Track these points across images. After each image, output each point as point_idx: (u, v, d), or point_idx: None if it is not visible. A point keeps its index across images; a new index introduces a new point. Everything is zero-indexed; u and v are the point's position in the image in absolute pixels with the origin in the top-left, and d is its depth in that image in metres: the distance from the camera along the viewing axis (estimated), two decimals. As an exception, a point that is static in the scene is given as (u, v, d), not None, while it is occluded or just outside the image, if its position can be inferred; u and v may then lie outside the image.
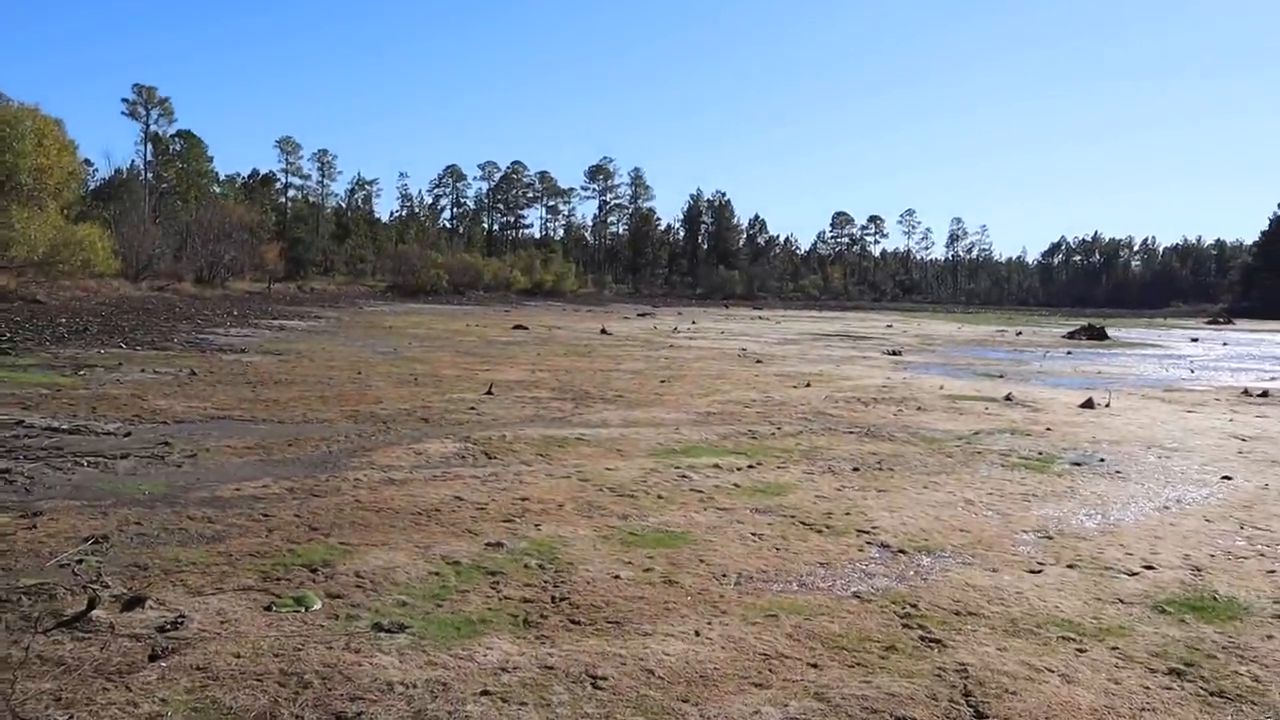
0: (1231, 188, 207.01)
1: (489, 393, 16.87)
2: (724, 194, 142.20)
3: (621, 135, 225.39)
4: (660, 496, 9.17)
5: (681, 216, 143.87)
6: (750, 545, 7.51)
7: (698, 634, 5.48)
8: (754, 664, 5.09)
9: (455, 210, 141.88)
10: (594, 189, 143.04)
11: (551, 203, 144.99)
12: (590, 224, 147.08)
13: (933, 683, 4.92)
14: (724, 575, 6.68)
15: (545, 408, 15.45)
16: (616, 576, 6.53)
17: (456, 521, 7.99)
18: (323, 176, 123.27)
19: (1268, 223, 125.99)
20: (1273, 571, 7.35)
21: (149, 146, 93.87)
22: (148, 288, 53.76)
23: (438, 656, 5.03)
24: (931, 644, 5.48)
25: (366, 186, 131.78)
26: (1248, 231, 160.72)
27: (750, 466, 10.83)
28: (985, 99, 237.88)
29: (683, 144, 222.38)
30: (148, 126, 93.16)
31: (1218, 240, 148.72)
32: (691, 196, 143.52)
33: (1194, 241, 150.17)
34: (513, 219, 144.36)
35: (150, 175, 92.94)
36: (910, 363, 28.84)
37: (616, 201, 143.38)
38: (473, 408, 15.06)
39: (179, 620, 5.40)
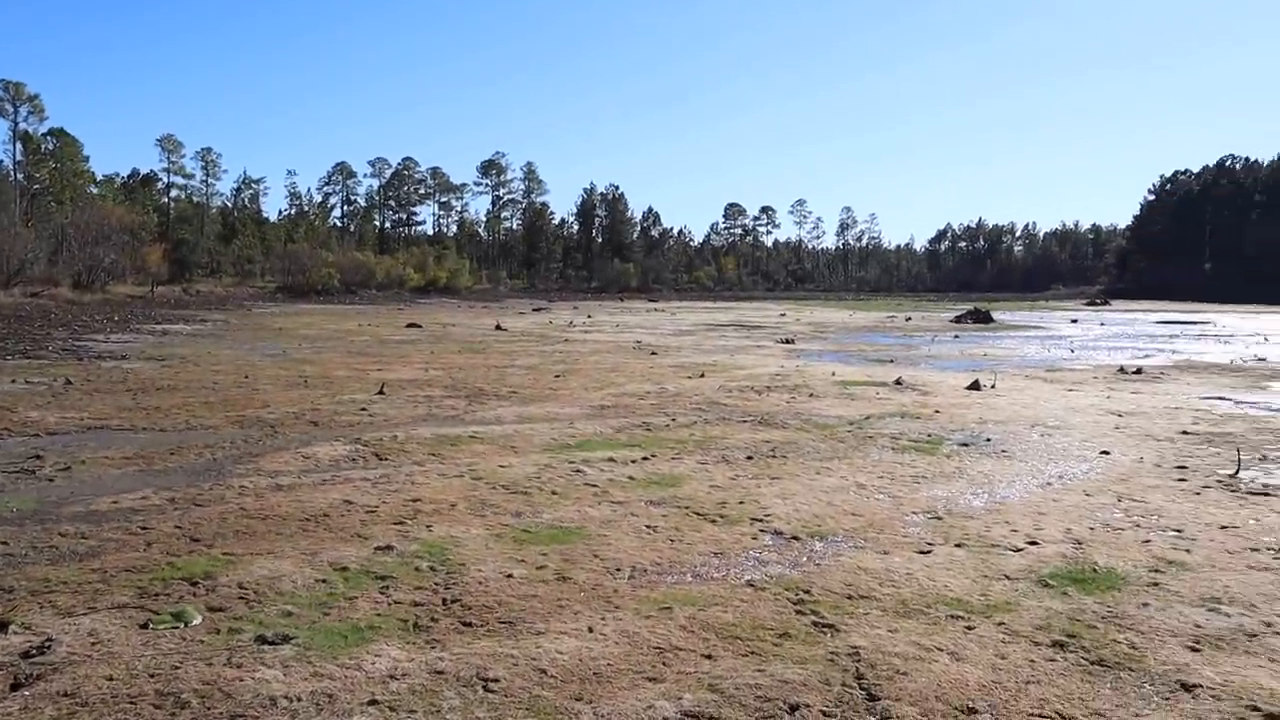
0: (1105, 174, 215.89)
1: (381, 393, 16.52)
2: (617, 187, 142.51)
3: (514, 130, 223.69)
4: (554, 492, 9.08)
5: (575, 210, 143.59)
6: (644, 538, 7.47)
7: (591, 630, 5.41)
8: (648, 658, 5.04)
9: (346, 208, 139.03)
10: (487, 184, 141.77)
11: (444, 199, 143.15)
12: (484, 220, 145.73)
13: (826, 668, 4.94)
14: (618, 569, 6.62)
15: (438, 406, 15.20)
16: (509, 575, 6.42)
17: (346, 526, 7.77)
18: (207, 175, 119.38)
19: (1139, 208, 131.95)
20: (1148, 541, 7.61)
21: (18, 145, 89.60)
22: (20, 294, 51.29)
23: (324, 667, 4.86)
24: (824, 629, 5.51)
25: (253, 185, 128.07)
26: (1121, 216, 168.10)
27: (644, 459, 10.81)
28: (871, 91, 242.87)
29: (576, 138, 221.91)
30: (16, 124, 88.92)
31: (1094, 225, 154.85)
32: (585, 190, 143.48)
33: (1072, 226, 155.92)
34: (405, 216, 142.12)
35: (21, 176, 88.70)
36: (803, 350, 29.25)
37: (510, 196, 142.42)
38: (364, 409, 14.72)
39: (46, 644, 5.11)
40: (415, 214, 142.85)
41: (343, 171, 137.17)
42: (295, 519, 7.96)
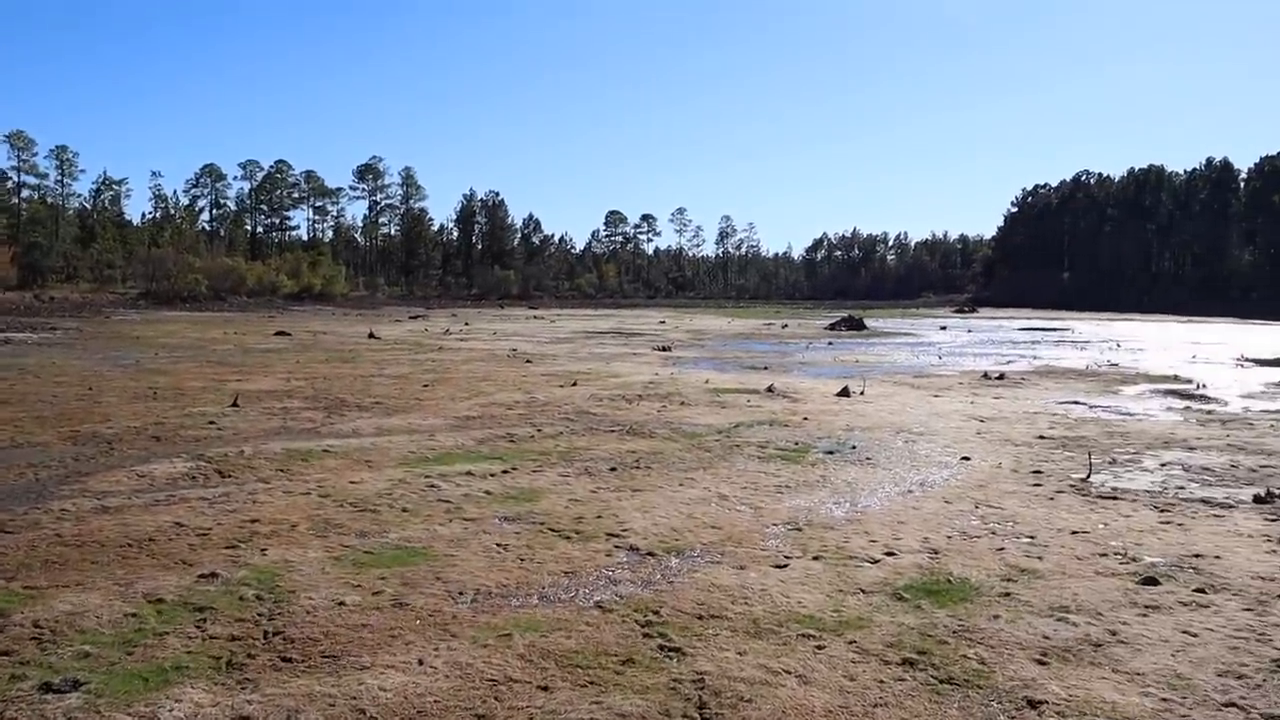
0: (973, 187, 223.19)
1: (235, 405, 15.72)
2: (498, 194, 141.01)
3: (392, 135, 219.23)
4: (404, 510, 8.65)
5: (455, 216, 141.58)
6: (494, 558, 7.13)
7: (421, 663, 5.05)
8: (479, 692, 4.71)
9: (215, 212, 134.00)
10: (364, 189, 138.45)
11: (319, 203, 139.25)
12: (361, 225, 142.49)
13: (667, 697, 4.69)
14: (460, 593, 6.27)
15: (294, 419, 14.53)
16: (341, 603, 6.00)
17: (171, 552, 7.21)
18: (62, 175, 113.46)
19: (1003, 219, 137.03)
20: (1002, 549, 7.61)
21: None
22: None
23: (113, 716, 4.38)
24: (671, 653, 5.26)
25: (114, 186, 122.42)
26: (987, 227, 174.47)
27: (505, 472, 10.45)
28: (748, 101, 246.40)
29: (456, 144, 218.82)
30: None
31: (962, 235, 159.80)
32: (465, 196, 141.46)
33: (941, 237, 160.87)
34: (278, 221, 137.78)
35: None
36: (679, 358, 29.22)
37: (388, 202, 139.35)
38: (213, 422, 13.96)
39: None
40: (289, 219, 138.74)
41: (211, 174, 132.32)
42: (115, 545, 7.36)
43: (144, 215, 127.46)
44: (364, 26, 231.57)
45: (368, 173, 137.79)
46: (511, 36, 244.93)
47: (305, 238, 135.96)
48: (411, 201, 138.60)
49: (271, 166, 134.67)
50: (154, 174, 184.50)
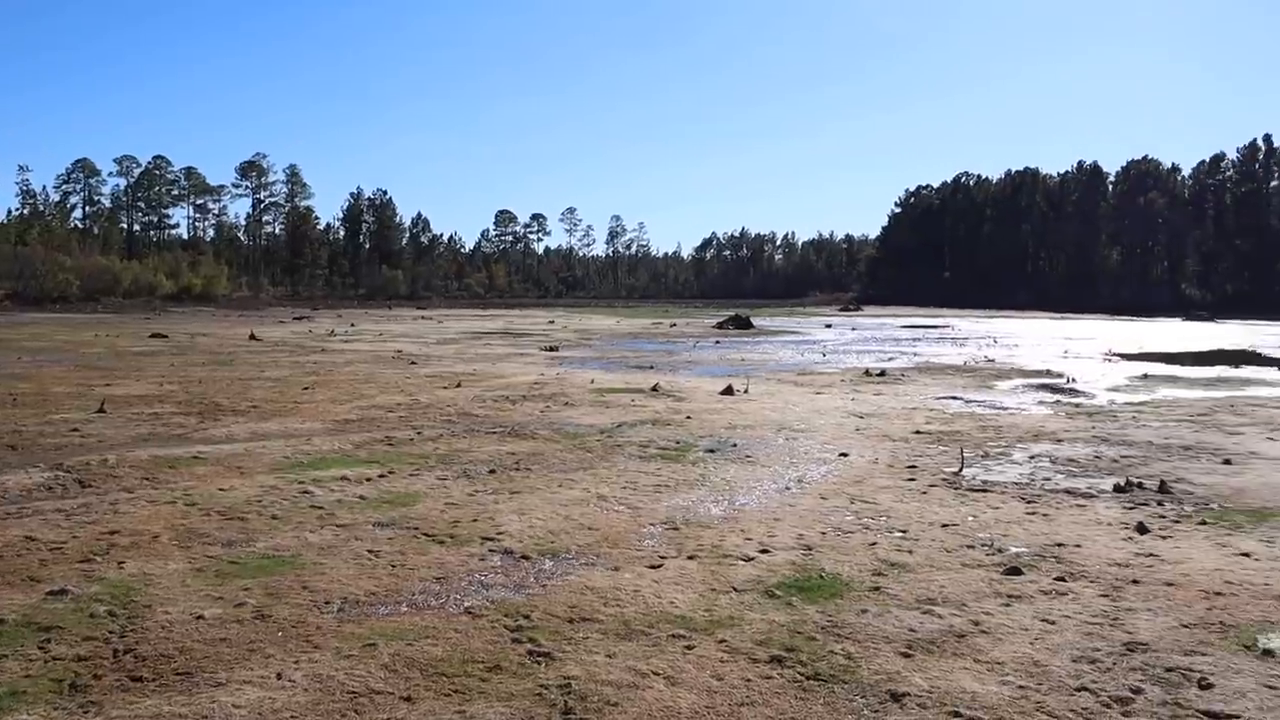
0: (858, 187, 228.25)
1: (101, 410, 15.06)
2: (385, 192, 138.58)
3: (276, 131, 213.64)
4: (274, 517, 8.38)
5: (342, 215, 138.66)
6: (364, 565, 6.95)
7: (280, 676, 4.87)
8: (339, 705, 4.56)
9: (88, 209, 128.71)
10: (247, 186, 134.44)
11: (200, 201, 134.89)
12: (244, 224, 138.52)
13: (532, 704, 4.62)
14: (327, 603, 6.08)
15: (165, 424, 13.99)
16: (199, 617, 5.75)
17: (18, 568, 6.83)
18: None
19: (887, 219, 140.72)
20: (874, 544, 7.74)
21: None
22: None
23: (-61, 747, 4.12)
24: (539, 658, 5.19)
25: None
26: (871, 227, 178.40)
27: (381, 476, 10.23)
28: (640, 100, 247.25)
29: (342, 142, 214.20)
30: None
31: (847, 235, 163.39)
32: (351, 195, 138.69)
33: (828, 236, 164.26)
34: (156, 219, 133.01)
35: None
36: (566, 358, 29.12)
37: (272, 200, 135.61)
38: (76, 429, 13.33)
39: None
40: (168, 216, 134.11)
41: (84, 169, 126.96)
42: (-44, 563, 6.94)
43: (10, 212, 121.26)
44: (248, 17, 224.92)
45: (251, 170, 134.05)
46: (399, 32, 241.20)
47: (185, 236, 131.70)
48: (297, 200, 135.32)
49: (149, 162, 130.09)
50: (21, 168, 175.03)
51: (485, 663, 5.11)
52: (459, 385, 19.70)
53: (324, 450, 11.81)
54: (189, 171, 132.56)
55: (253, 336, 38.57)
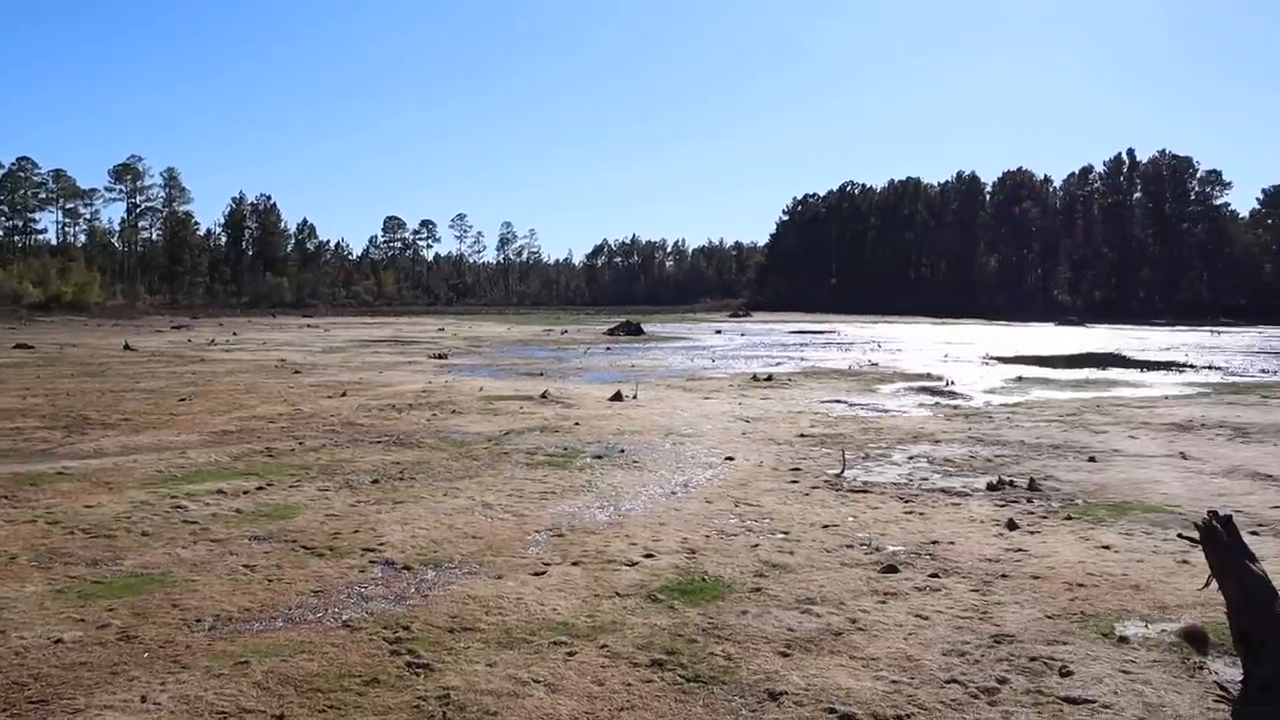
0: (746, 196, 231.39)
1: (-42, 426, 14.32)
2: (269, 197, 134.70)
3: (153, 133, 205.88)
4: (145, 534, 8.08)
5: (223, 221, 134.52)
6: (239, 580, 6.75)
7: (144, 700, 4.69)
8: (207, 726, 4.42)
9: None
10: (121, 190, 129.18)
11: (70, 205, 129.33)
12: (118, 229, 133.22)
13: (410, 716, 4.55)
14: (198, 620, 5.89)
15: (27, 439, 13.36)
16: (58, 641, 5.50)
17: None
18: None
19: (775, 227, 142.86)
20: (756, 545, 7.85)
21: None
22: None
23: None
24: (418, 670, 5.12)
25: None
26: (761, 235, 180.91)
27: (260, 488, 9.95)
28: (531, 107, 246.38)
29: (224, 145, 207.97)
30: None
31: (736, 242, 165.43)
32: (234, 200, 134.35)
33: (718, 243, 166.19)
34: (21, 223, 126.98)
35: None
36: (455, 365, 28.82)
37: (148, 204, 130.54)
38: (-71, 446, 12.65)
39: None
40: (35, 221, 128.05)
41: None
42: None
43: None
44: (122, 11, 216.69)
45: (126, 173, 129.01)
46: (284, 34, 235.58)
47: (54, 242, 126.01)
48: (175, 204, 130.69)
49: (13, 164, 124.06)
50: None
51: (362, 676, 5.01)
52: (344, 394, 19.31)
53: (200, 463, 11.45)
54: (57, 174, 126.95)
55: (127, 346, 37.13)
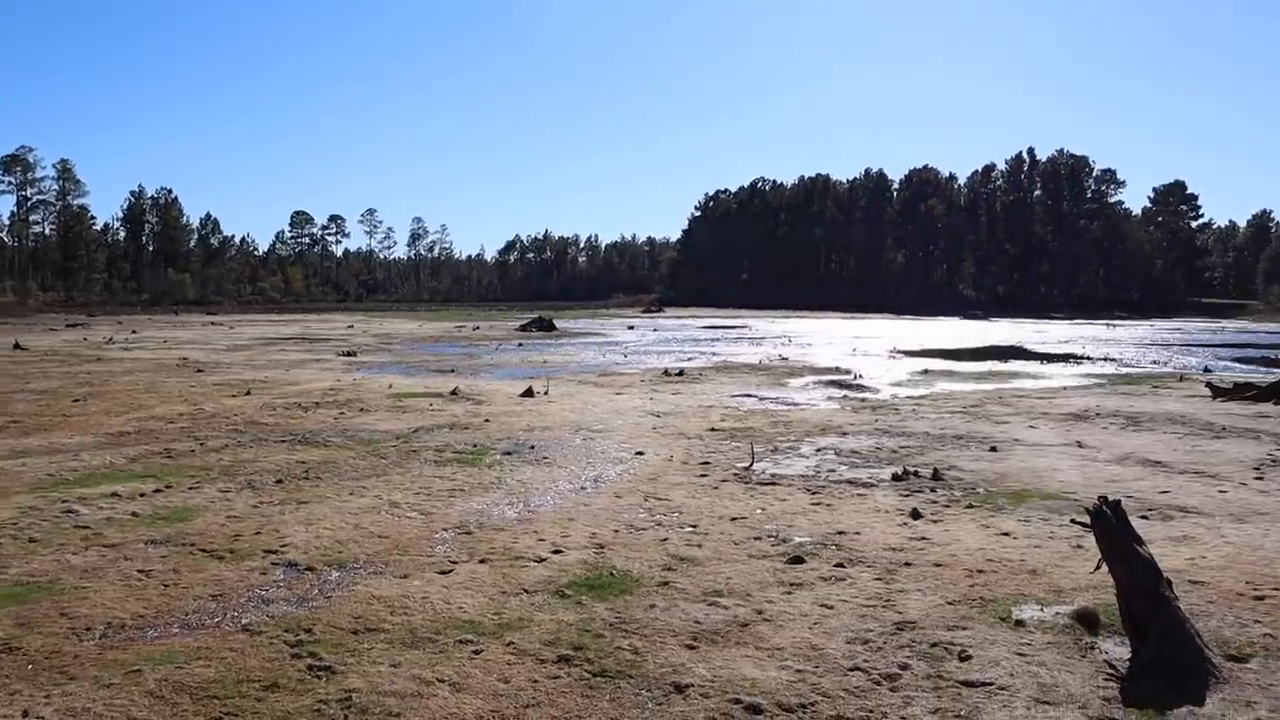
0: (659, 192, 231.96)
1: None
2: (170, 191, 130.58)
3: (45, 122, 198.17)
4: (32, 540, 7.77)
5: (122, 215, 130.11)
6: (133, 586, 6.53)
7: (26, 714, 4.51)
8: (95, 738, 4.27)
9: None
10: (10, 183, 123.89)
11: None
12: (8, 223, 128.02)
13: (310, 720, 4.45)
14: (88, 629, 5.68)
15: (-92, 444, 12.76)
16: (-64, 653, 5.27)
17: None
18: None
19: (687, 223, 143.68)
20: (665, 539, 7.87)
21: None
22: None
23: None
24: (320, 673, 5.01)
25: None
26: (673, 230, 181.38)
27: (157, 491, 9.65)
28: (441, 101, 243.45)
29: (122, 136, 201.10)
30: None
31: (649, 238, 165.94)
32: (133, 193, 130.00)
33: (631, 239, 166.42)
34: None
35: None
36: (365, 363, 28.36)
37: (40, 198, 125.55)
38: None
39: None
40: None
41: None
42: None
43: None
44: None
45: (15, 164, 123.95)
46: (185, 18, 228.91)
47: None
48: (70, 198, 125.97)
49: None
50: None
51: (261, 681, 4.89)
52: (248, 393, 18.85)
53: (94, 466, 11.06)
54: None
55: (17, 346, 35.71)
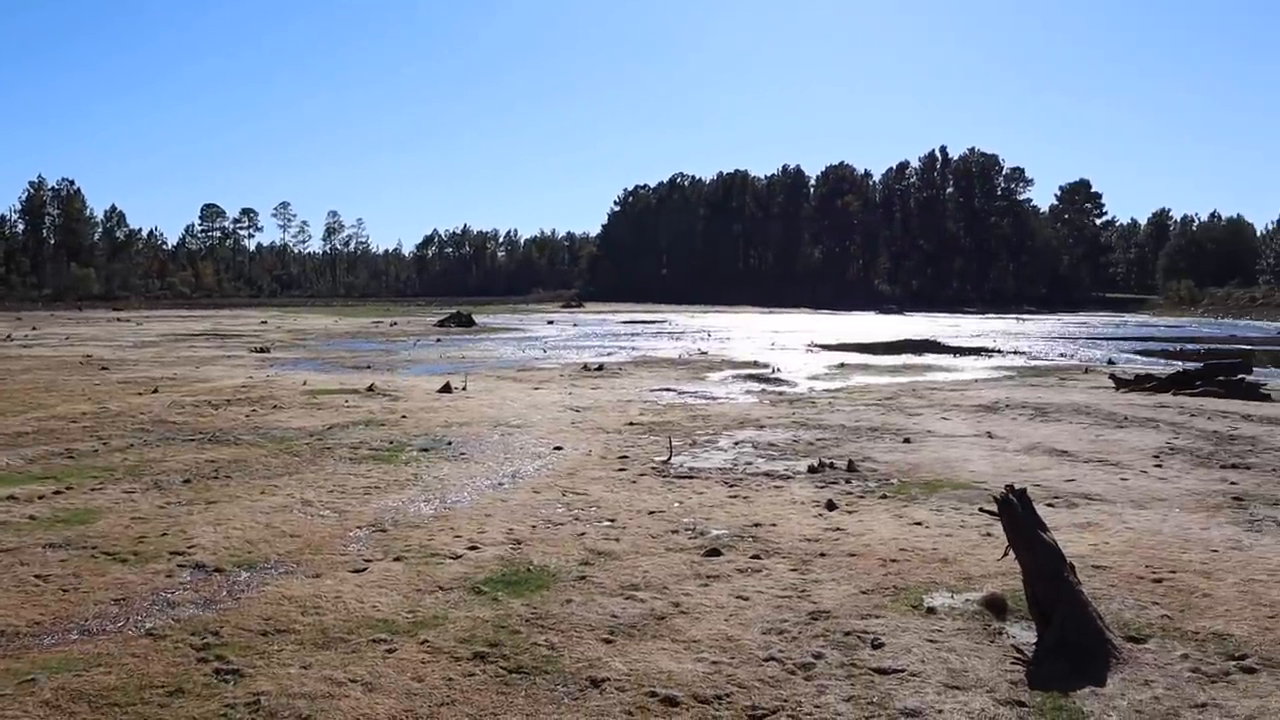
0: (575, 188, 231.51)
1: None
2: (73, 182, 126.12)
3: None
4: (-78, 545, 7.44)
5: (20, 207, 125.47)
6: (29, 592, 6.30)
7: (-87, 725, 4.32)
8: (-13, 749, 4.10)
9: None
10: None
11: None
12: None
13: (216, 725, 4.34)
14: (-20, 637, 5.46)
15: None
16: None
17: None
18: None
19: (607, 218, 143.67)
20: (582, 534, 7.85)
21: None
22: None
23: None
24: (227, 676, 4.89)
25: None
26: (593, 225, 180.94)
27: (57, 493, 9.31)
28: (358, 94, 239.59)
29: (19, 124, 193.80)
30: None
31: (569, 233, 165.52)
32: (32, 184, 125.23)
33: (550, 234, 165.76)
34: None
35: None
36: (278, 360, 27.79)
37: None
38: None
39: None
40: None
41: None
42: None
43: None
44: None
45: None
46: (92, 8, 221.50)
47: None
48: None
49: None
50: None
51: (165, 687, 4.75)
52: (155, 391, 18.33)
53: (-11, 467, 10.65)
54: None
55: (-90, 344, 34.27)
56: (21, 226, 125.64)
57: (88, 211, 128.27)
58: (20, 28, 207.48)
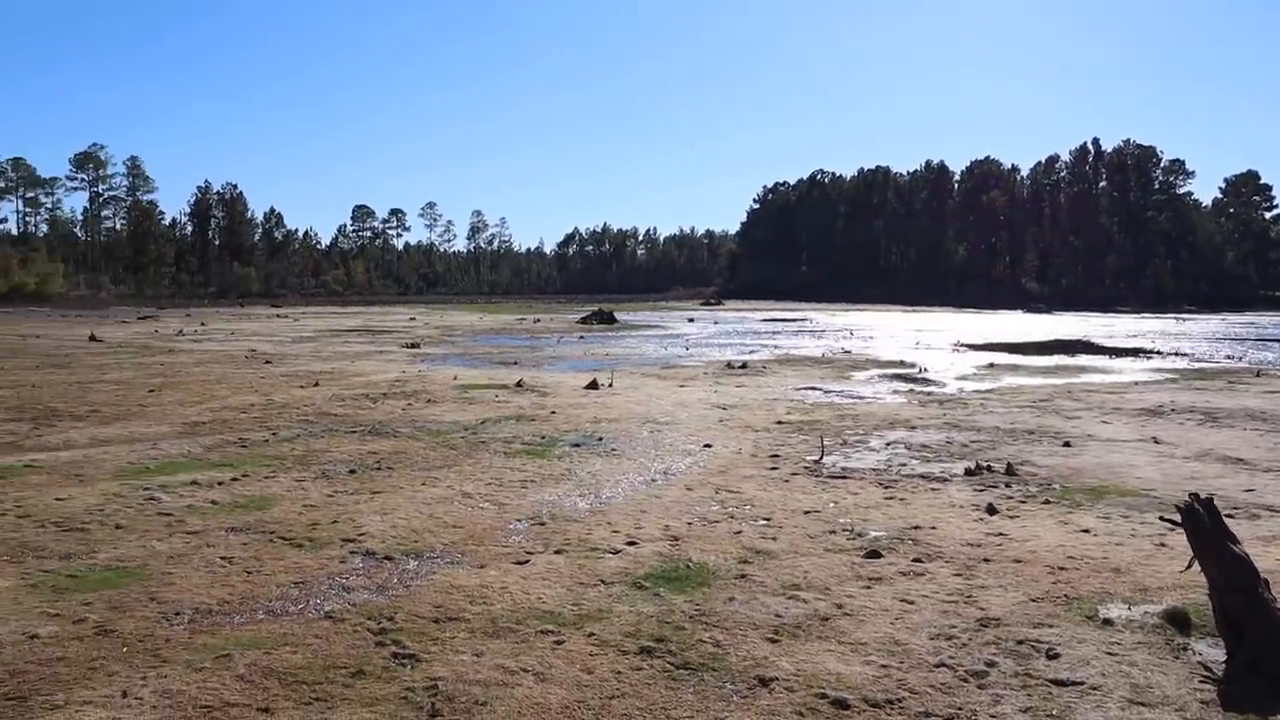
0: (718, 185, 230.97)
1: (-79, 419, 14.05)
2: (235, 186, 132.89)
3: (115, 120, 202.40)
4: (118, 526, 7.94)
5: (189, 210, 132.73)
6: (217, 573, 6.64)
7: (125, 695, 4.60)
8: (191, 721, 4.34)
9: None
10: (83, 179, 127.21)
11: (30, 194, 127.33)
12: (81, 219, 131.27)
13: (398, 707, 4.49)
14: (176, 614, 5.79)
15: (-7, 432, 13.12)
16: (34, 636, 5.39)
17: None
18: None
19: (746, 215, 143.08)
20: (739, 532, 7.83)
21: None
22: None
23: None
24: (404, 660, 5.06)
25: None
26: (731, 223, 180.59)
27: (234, 479, 9.81)
28: (500, 93, 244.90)
29: (190, 132, 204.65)
30: None
31: (708, 231, 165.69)
32: (199, 189, 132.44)
33: (689, 232, 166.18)
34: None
35: None
36: (428, 355, 28.64)
37: (112, 193, 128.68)
38: (-108, 439, 12.40)
39: None
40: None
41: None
42: None
43: None
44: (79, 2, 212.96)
45: (88, 161, 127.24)
46: (250, 18, 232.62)
47: (15, 232, 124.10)
48: (139, 193, 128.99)
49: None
50: None
51: (348, 668, 4.94)
52: (316, 384, 19.13)
53: (172, 454, 11.29)
54: (16, 162, 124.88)
55: (93, 337, 36.63)
56: (190, 229, 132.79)
57: (249, 213, 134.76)
58: (193, 49, 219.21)
